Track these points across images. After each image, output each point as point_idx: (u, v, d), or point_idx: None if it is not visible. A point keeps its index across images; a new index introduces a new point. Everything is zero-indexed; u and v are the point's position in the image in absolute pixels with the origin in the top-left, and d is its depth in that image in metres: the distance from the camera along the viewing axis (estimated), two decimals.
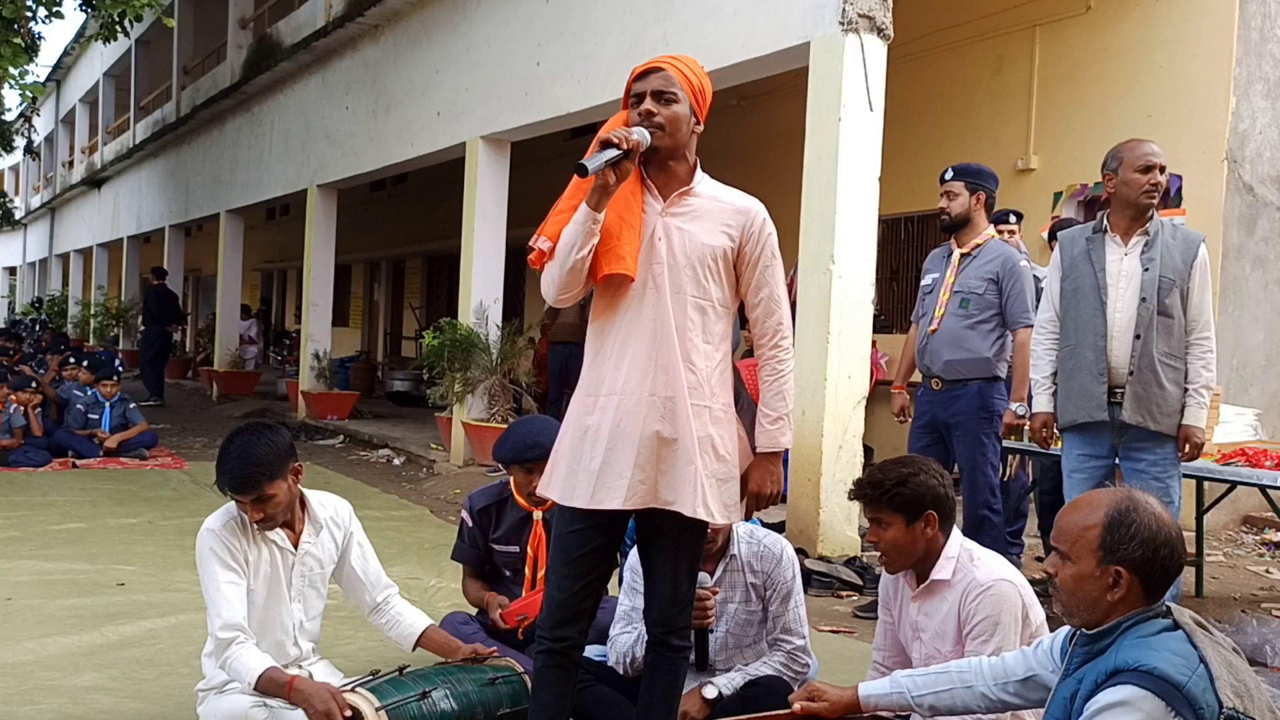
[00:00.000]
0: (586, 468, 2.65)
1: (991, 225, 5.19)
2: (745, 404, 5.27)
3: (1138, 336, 4.03)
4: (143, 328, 16.32)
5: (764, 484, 2.75)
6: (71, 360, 11.06)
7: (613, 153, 2.52)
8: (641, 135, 2.58)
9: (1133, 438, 4.10)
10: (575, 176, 2.60)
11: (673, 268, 2.65)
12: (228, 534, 3.04)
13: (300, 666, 3.22)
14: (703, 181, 2.75)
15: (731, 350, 2.82)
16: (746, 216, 2.72)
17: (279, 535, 3.12)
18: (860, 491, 2.91)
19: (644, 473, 2.61)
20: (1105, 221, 4.16)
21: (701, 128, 2.72)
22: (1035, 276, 5.92)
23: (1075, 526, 2.21)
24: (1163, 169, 4.04)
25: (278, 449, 3.02)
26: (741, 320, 4.17)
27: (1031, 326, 4.77)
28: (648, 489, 2.62)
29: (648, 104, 2.62)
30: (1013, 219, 6.05)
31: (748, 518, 2.75)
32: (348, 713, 2.79)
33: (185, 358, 20.29)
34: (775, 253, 2.75)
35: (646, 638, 2.81)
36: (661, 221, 2.66)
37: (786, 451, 3.74)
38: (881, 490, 2.85)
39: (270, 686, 2.87)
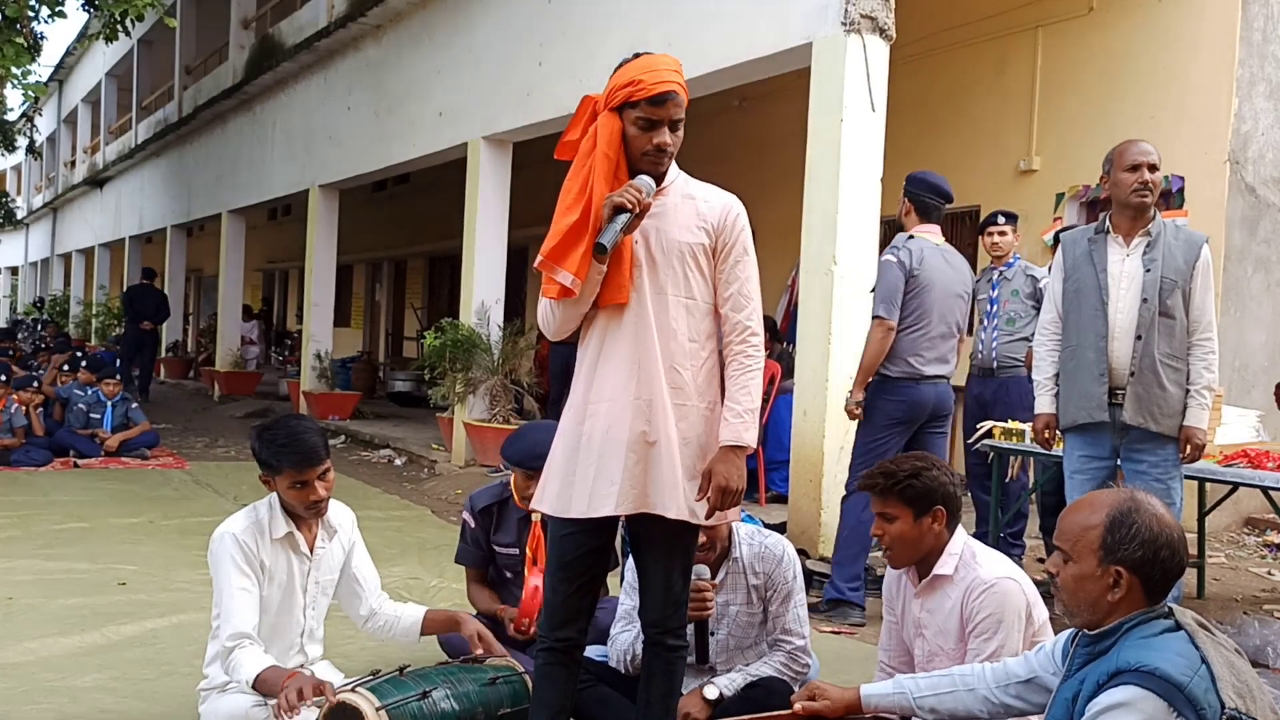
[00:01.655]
0: (581, 476, 2.65)
1: (925, 227, 5.02)
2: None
3: (1139, 337, 4.02)
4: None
5: (728, 477, 2.59)
6: (66, 367, 10.87)
7: (625, 218, 2.51)
8: (649, 188, 2.57)
9: (1134, 439, 4.09)
10: (563, 183, 2.61)
11: (651, 268, 2.65)
12: (248, 538, 3.02)
13: (303, 669, 3.22)
14: (677, 179, 2.74)
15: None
16: (720, 211, 2.71)
17: (299, 539, 3.12)
18: (872, 481, 2.92)
19: (633, 477, 2.61)
20: (1108, 222, 4.15)
21: None
22: (1034, 276, 5.94)
23: (1077, 526, 2.21)
24: (1153, 167, 4.00)
25: (320, 427, 3.12)
26: None
27: (877, 319, 4.87)
28: (638, 493, 2.62)
29: (666, 137, 2.61)
30: (1001, 220, 6.02)
31: (709, 516, 2.65)
32: (325, 696, 2.73)
33: (187, 358, 20.29)
34: (748, 249, 2.73)
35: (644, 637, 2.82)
36: (639, 224, 2.65)
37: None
38: (894, 481, 2.85)
39: (266, 688, 2.85)
